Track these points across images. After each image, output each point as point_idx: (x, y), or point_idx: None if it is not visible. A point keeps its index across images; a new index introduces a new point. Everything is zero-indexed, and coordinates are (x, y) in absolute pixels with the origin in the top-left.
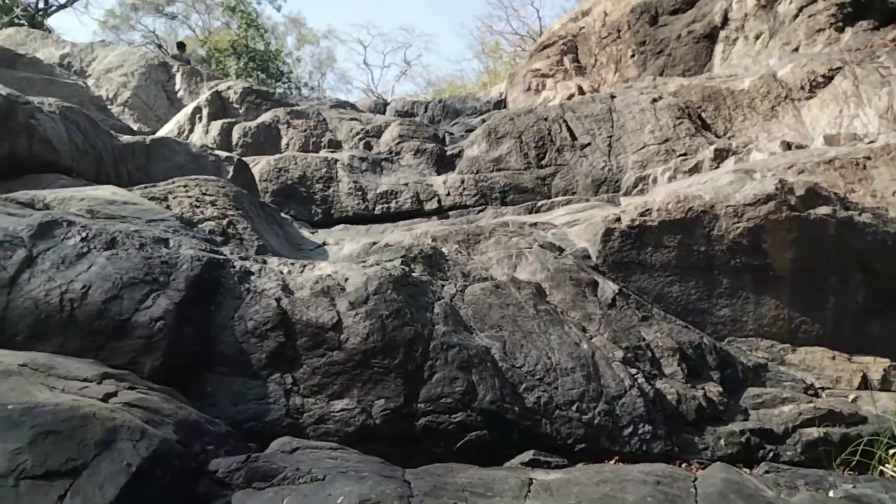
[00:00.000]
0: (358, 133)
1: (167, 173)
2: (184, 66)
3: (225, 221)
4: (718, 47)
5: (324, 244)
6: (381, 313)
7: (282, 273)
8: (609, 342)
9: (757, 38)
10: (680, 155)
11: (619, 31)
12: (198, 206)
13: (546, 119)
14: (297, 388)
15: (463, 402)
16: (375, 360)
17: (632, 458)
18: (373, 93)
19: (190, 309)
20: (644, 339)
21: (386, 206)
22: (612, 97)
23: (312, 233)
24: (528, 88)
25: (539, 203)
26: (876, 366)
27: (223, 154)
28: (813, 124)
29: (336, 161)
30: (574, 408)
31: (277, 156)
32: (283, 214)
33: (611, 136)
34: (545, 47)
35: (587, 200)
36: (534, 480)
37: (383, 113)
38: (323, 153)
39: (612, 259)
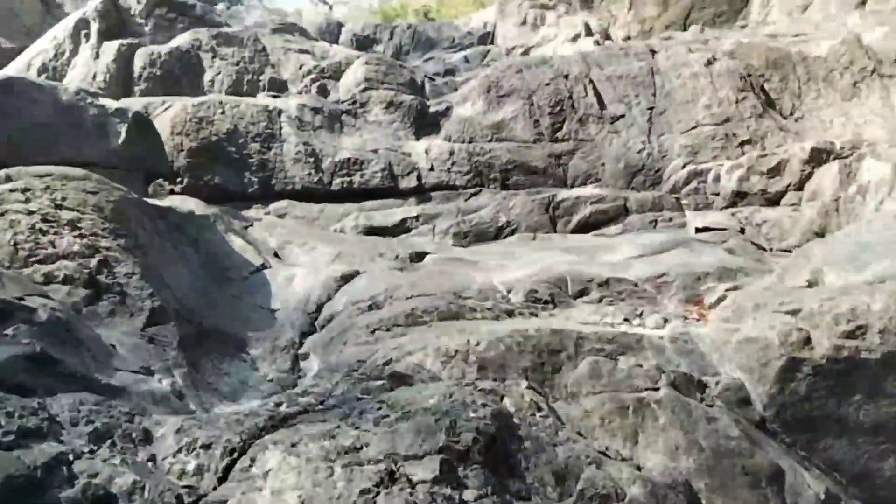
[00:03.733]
0: (310, 71)
1: (18, 137)
2: None
3: (95, 261)
4: None
5: (263, 267)
6: None
7: None
8: None
9: None
10: (744, 142)
11: None
12: (46, 233)
13: (566, 76)
14: None
15: None
16: None
17: None
18: (323, 1)
19: None
20: None
21: (347, 178)
22: (653, 52)
23: (246, 227)
24: (524, 22)
25: (558, 197)
26: None
27: (111, 104)
28: None
29: (280, 112)
30: None
31: (198, 100)
32: (202, 213)
33: (651, 109)
34: None
35: (618, 199)
36: None
37: (336, 37)
38: (262, 98)
39: (793, 412)
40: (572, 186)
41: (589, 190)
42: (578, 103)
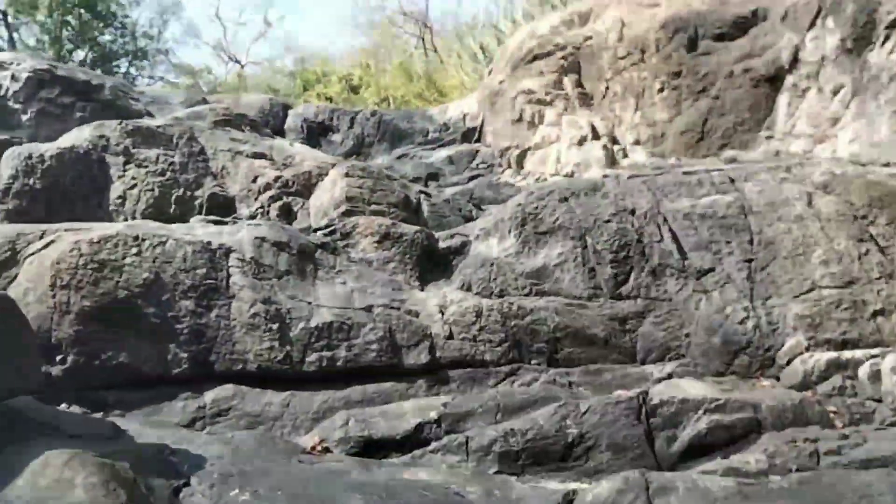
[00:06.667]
0: (269, 185)
1: None
2: None
3: None
4: (783, 98)
5: None
6: None
7: None
8: None
9: (835, 92)
10: (876, 312)
11: (642, 51)
12: None
13: (632, 212)
14: None
15: None
16: None
17: None
18: (225, 52)
19: None
20: None
21: (328, 353)
22: (732, 181)
23: (178, 488)
24: (519, 119)
25: (653, 399)
26: None
27: None
28: None
29: (229, 252)
30: None
31: (101, 230)
32: None
33: (750, 262)
34: (535, 58)
35: (745, 408)
36: None
37: (281, 123)
38: (199, 226)
39: None
40: (643, 363)
41: (697, 387)
42: (650, 248)
